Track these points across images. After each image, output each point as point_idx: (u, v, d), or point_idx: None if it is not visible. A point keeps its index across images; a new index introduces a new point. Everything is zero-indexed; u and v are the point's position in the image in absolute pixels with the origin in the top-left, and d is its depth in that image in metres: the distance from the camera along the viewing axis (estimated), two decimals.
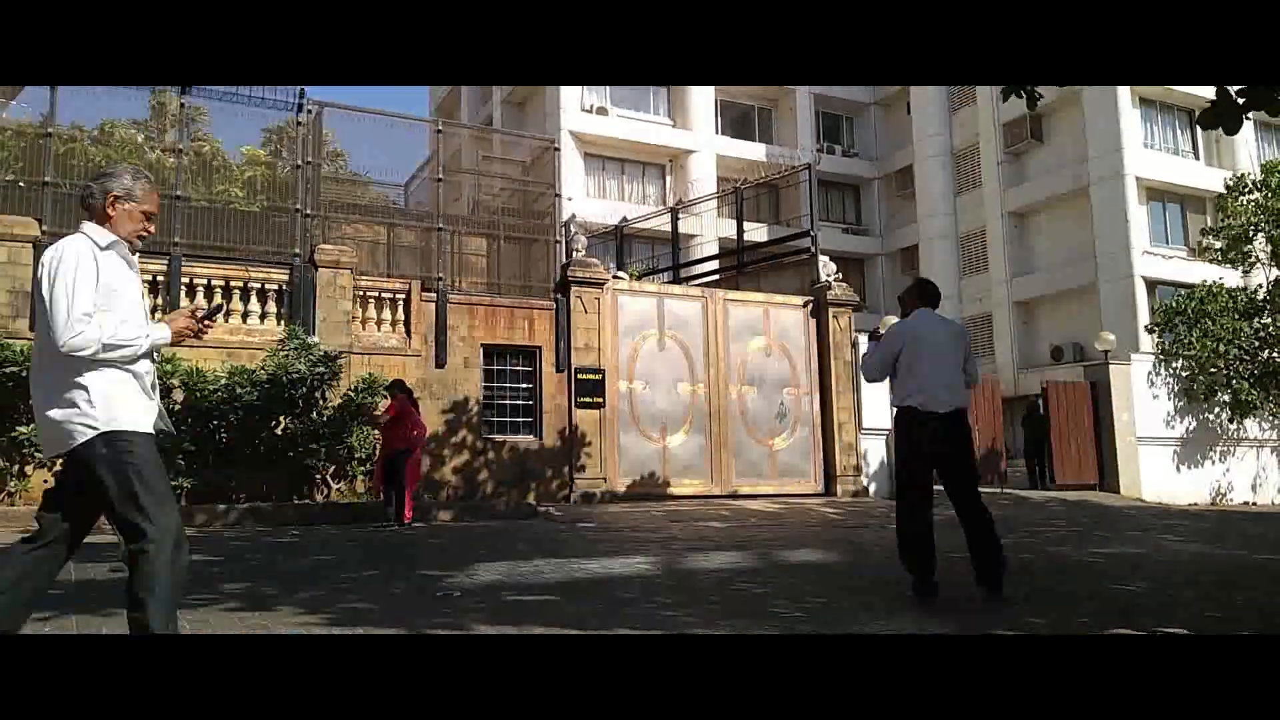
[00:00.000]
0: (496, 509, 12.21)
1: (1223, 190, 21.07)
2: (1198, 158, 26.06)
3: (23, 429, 10.25)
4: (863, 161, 31.56)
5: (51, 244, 3.02)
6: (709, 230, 22.78)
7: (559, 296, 14.26)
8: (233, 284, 12.19)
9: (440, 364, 13.23)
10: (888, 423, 16.53)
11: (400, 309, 13.24)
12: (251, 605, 5.08)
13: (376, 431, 11.35)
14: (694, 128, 27.75)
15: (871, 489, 16.08)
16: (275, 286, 12.43)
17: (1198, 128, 25.89)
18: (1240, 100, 4.97)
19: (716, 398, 15.10)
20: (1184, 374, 20.11)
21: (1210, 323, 19.62)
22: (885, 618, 5.00)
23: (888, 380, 5.86)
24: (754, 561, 7.60)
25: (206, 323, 3.18)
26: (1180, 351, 19.92)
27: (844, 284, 16.67)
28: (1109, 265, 24.13)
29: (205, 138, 15.35)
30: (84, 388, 2.85)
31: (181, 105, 12.71)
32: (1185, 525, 11.94)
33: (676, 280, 18.58)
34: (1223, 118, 4.97)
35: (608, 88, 26.44)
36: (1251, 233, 19.78)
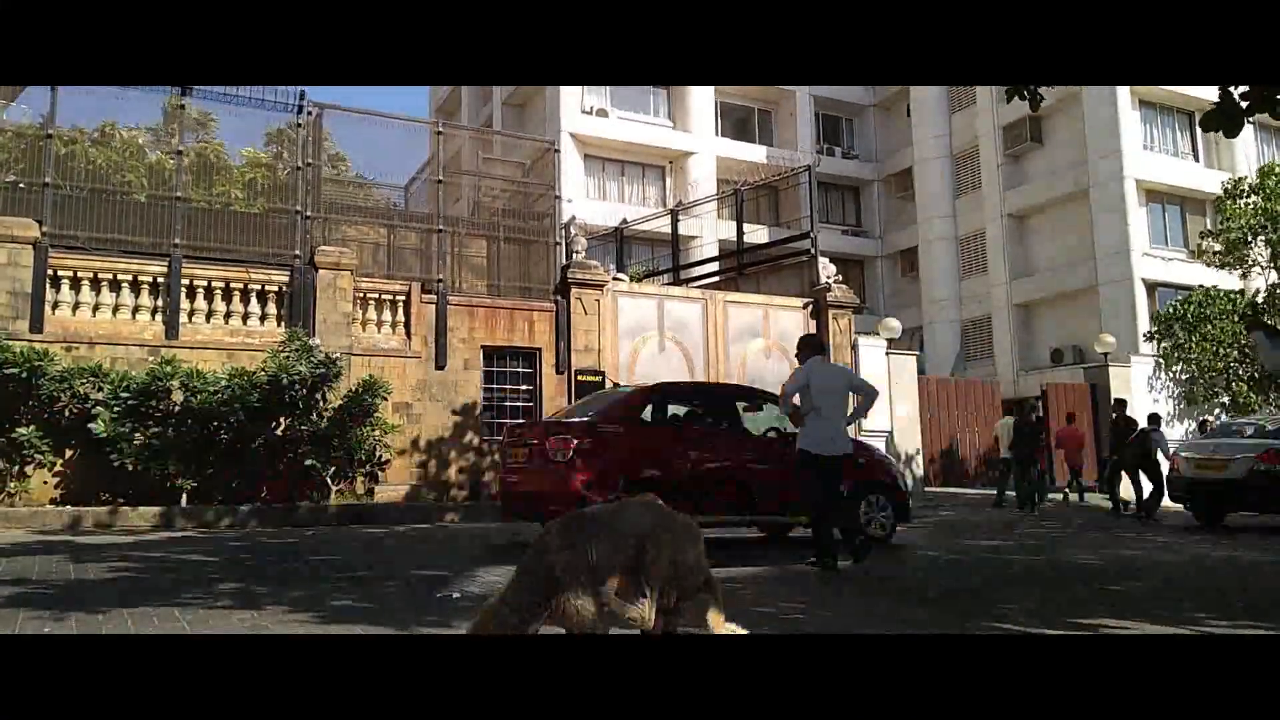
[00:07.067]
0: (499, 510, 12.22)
1: (1221, 193, 21.09)
2: (1198, 160, 26.06)
3: (22, 430, 10.24)
4: (862, 163, 31.57)
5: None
6: (709, 232, 22.79)
7: (559, 298, 14.27)
8: (233, 285, 12.20)
9: (440, 366, 13.23)
10: (888, 424, 16.55)
11: (400, 310, 13.24)
12: (249, 604, 5.07)
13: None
14: (694, 129, 27.76)
15: None
16: (275, 288, 12.43)
17: (1198, 129, 26.07)
18: (1244, 103, 4.96)
19: None
20: (1184, 377, 20.14)
21: (1209, 326, 19.65)
22: (886, 618, 5.00)
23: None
24: (753, 564, 7.59)
25: None
26: (1180, 355, 19.95)
27: (844, 286, 16.67)
28: (1109, 267, 24.13)
29: (207, 140, 15.36)
30: None
31: (181, 108, 12.71)
32: (1183, 526, 11.94)
33: (676, 282, 18.58)
34: (1225, 120, 4.97)
35: (608, 89, 26.45)
36: (1250, 236, 19.79)
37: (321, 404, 11.45)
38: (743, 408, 9.47)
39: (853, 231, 31.33)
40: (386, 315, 13.17)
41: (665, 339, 14.93)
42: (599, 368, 14.25)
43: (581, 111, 26.13)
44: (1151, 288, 23.83)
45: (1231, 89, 4.90)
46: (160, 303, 11.74)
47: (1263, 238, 19.64)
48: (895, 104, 31.30)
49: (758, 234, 22.01)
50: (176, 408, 10.77)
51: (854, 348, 16.34)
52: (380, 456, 11.93)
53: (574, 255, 14.66)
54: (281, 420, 11.31)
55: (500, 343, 13.78)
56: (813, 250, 16.78)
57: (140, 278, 11.65)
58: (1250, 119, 5.14)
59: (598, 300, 14.41)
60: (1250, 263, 20.14)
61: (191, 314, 11.92)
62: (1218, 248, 20.89)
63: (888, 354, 16.99)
